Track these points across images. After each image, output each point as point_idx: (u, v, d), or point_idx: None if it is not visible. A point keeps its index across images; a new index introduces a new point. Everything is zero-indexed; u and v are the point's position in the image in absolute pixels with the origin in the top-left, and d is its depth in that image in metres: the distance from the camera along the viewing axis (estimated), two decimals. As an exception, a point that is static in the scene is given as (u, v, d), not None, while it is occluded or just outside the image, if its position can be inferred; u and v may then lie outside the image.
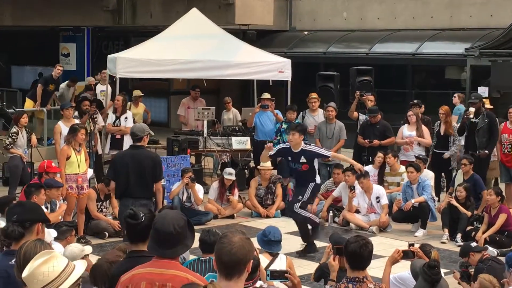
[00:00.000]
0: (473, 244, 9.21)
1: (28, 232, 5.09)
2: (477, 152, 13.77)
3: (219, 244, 4.04)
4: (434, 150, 14.45)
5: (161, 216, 4.63)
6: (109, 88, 17.24)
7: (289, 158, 11.18)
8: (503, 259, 8.88)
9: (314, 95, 15.41)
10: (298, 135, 10.99)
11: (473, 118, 14.16)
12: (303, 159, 11.01)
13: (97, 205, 12.33)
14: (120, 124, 15.58)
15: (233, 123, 17.09)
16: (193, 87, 17.60)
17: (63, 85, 19.50)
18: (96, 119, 15.31)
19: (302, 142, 11.13)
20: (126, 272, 4.63)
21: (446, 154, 14.34)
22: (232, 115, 17.16)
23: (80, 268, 4.13)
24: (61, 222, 9.88)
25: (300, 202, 11.18)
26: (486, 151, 13.81)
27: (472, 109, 14.19)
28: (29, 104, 17.97)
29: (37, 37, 25.65)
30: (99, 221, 12.19)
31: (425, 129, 14.46)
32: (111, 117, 15.60)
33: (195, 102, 17.28)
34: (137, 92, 17.92)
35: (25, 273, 4.02)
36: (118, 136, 15.52)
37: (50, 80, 17.95)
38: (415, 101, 15.66)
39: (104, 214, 12.42)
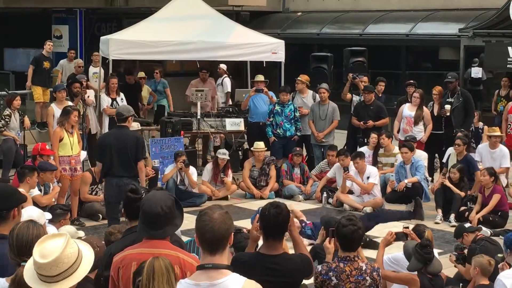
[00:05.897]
0: (467, 224, 9.24)
1: (4, 221, 4.84)
2: (454, 131, 13.78)
3: (200, 222, 4.08)
4: (428, 130, 14.42)
5: (148, 197, 4.64)
6: (102, 70, 17.12)
7: None
8: (496, 239, 8.93)
9: (301, 77, 15.33)
10: None
11: (448, 97, 14.24)
12: None
13: (93, 187, 12.30)
14: (118, 105, 15.42)
15: None
16: (200, 69, 17.08)
17: (62, 61, 19.37)
18: (89, 97, 15.23)
19: None
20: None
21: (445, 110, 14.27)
22: None
23: (86, 251, 4.06)
24: (56, 205, 9.85)
25: None
26: (463, 130, 13.83)
27: (447, 107, 14.11)
28: (38, 91, 17.55)
29: (29, 19, 25.47)
30: (92, 203, 12.18)
31: (426, 110, 14.37)
32: (107, 99, 15.46)
33: (204, 84, 16.81)
34: (141, 74, 17.92)
35: (46, 259, 3.84)
36: None
37: (42, 59, 17.66)
38: (411, 81, 15.59)
39: (99, 196, 12.40)
